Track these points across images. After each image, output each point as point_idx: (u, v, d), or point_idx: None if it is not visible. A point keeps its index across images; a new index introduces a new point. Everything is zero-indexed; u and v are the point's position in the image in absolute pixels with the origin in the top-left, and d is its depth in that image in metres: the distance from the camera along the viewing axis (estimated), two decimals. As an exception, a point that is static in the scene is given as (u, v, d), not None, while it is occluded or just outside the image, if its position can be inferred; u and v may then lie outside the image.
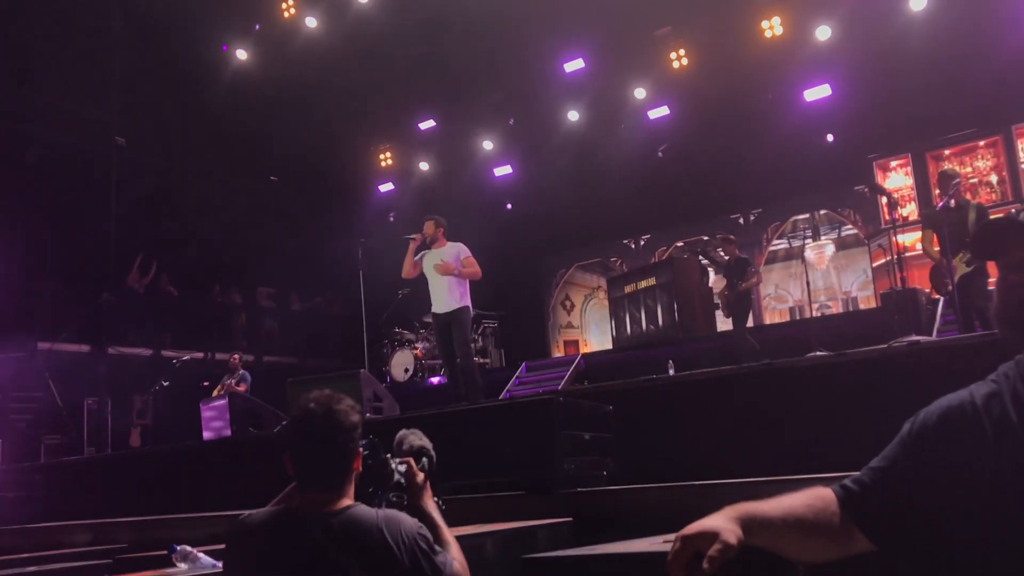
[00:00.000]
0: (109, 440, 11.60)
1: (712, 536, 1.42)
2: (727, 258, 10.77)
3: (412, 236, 8.26)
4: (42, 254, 13.72)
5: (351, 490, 2.42)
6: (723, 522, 1.46)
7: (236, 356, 11.76)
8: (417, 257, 8.25)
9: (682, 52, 13.62)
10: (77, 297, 13.15)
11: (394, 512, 2.40)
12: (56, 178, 13.66)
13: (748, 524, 1.47)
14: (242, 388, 11.02)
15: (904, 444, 1.57)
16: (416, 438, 2.87)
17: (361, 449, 2.47)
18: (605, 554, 1.90)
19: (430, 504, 2.71)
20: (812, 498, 1.56)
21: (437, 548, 2.43)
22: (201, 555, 2.77)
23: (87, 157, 13.44)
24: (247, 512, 2.47)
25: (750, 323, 11.19)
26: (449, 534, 2.66)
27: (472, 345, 8.81)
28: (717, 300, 12.62)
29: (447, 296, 8.04)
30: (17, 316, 12.19)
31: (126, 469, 7.95)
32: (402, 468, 2.68)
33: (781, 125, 12.99)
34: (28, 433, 12.12)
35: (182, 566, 2.74)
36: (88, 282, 13.09)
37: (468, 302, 8.15)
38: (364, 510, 2.35)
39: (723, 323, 12.63)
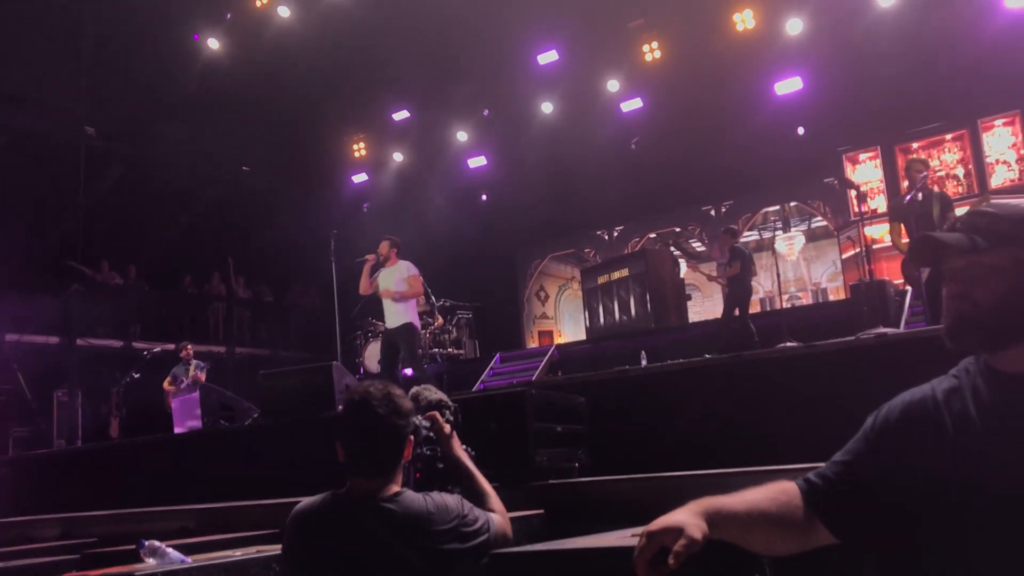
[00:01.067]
0: (80, 432, 11.47)
1: (677, 531, 1.43)
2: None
3: (366, 257, 8.77)
4: (9, 244, 13.50)
5: (400, 477, 2.46)
6: (688, 517, 1.47)
7: (189, 347, 11.54)
8: (372, 276, 8.77)
9: (655, 45, 13.67)
10: (45, 288, 12.95)
11: (440, 495, 2.45)
12: (23, 167, 13.42)
13: (713, 518, 1.49)
14: (203, 377, 10.95)
15: (867, 438, 1.59)
16: (430, 392, 2.92)
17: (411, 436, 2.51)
18: (572, 549, 1.91)
19: (461, 452, 2.77)
20: (776, 492, 1.58)
21: (478, 514, 2.48)
22: (170, 550, 2.75)
23: (55, 146, 13.23)
24: (301, 499, 2.50)
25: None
26: (484, 481, 2.72)
27: (421, 356, 9.41)
28: (689, 291, 12.78)
29: (394, 314, 8.57)
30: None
31: (96, 462, 7.85)
32: (427, 424, 2.73)
33: (752, 117, 13.07)
34: (-4, 425, 11.95)
35: (150, 561, 2.71)
36: (57, 273, 12.89)
37: (412, 318, 8.64)
38: (414, 496, 2.39)
39: (695, 314, 12.70)
